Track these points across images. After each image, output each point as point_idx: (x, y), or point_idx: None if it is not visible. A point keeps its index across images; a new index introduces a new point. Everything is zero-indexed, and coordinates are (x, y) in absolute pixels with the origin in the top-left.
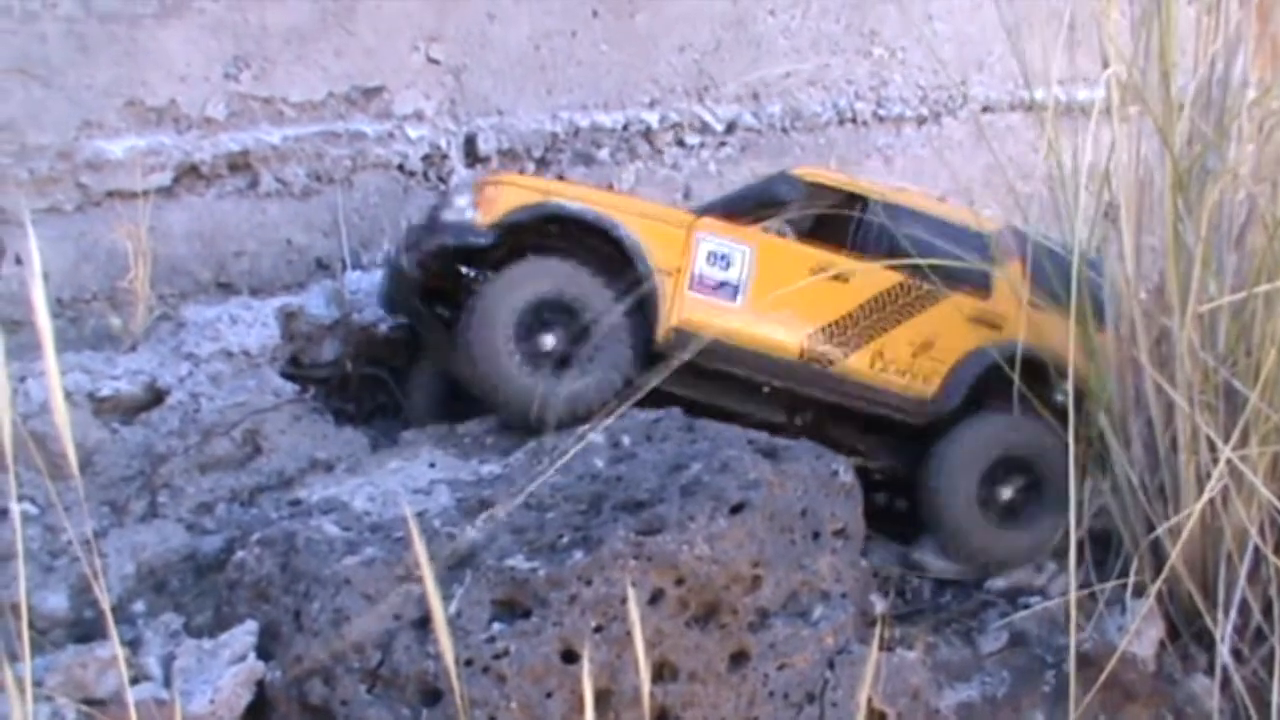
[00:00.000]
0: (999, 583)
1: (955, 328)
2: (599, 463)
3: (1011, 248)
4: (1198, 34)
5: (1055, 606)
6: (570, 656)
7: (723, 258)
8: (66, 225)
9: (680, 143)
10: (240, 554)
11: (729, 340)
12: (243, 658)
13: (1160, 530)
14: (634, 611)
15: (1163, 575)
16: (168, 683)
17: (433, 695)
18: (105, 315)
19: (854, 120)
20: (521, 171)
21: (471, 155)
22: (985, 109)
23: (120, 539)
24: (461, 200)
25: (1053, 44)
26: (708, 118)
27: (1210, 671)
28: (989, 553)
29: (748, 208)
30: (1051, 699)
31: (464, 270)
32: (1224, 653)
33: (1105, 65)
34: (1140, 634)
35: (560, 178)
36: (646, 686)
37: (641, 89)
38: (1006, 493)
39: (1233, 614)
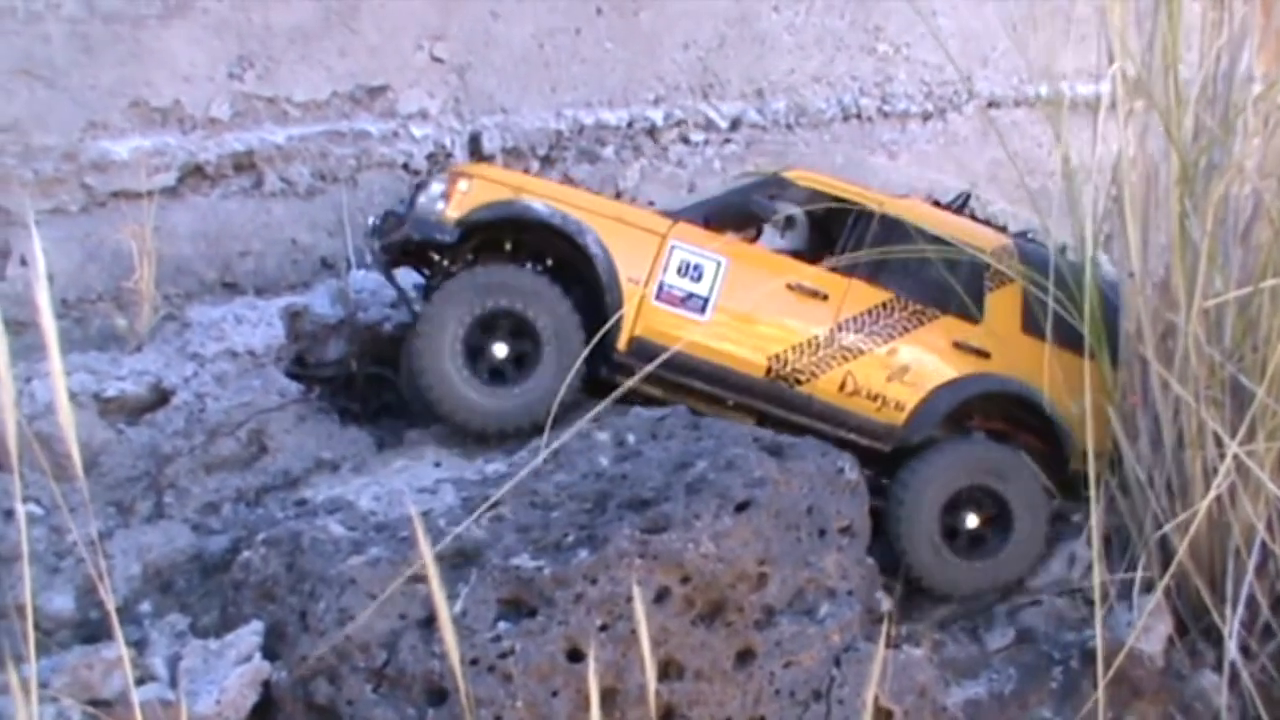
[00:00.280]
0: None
1: (936, 354)
2: (604, 461)
3: (1012, 268)
4: (1203, 28)
5: (1062, 603)
6: (576, 655)
7: (695, 268)
8: (71, 226)
9: (685, 140)
10: (246, 554)
11: (692, 354)
12: (248, 658)
13: (1168, 527)
14: (640, 610)
15: (1170, 571)
16: (173, 683)
17: (438, 694)
18: (110, 316)
19: (859, 116)
20: (525, 170)
21: (476, 153)
22: (991, 104)
23: (126, 540)
24: (435, 188)
25: (1057, 39)
26: (712, 115)
27: (1218, 667)
28: (951, 584)
29: (729, 217)
30: (1059, 695)
31: (435, 257)
32: (1232, 648)
33: (1110, 60)
34: (1148, 630)
35: (566, 176)
36: (652, 685)
37: (646, 86)
38: (972, 522)
39: (1240, 609)
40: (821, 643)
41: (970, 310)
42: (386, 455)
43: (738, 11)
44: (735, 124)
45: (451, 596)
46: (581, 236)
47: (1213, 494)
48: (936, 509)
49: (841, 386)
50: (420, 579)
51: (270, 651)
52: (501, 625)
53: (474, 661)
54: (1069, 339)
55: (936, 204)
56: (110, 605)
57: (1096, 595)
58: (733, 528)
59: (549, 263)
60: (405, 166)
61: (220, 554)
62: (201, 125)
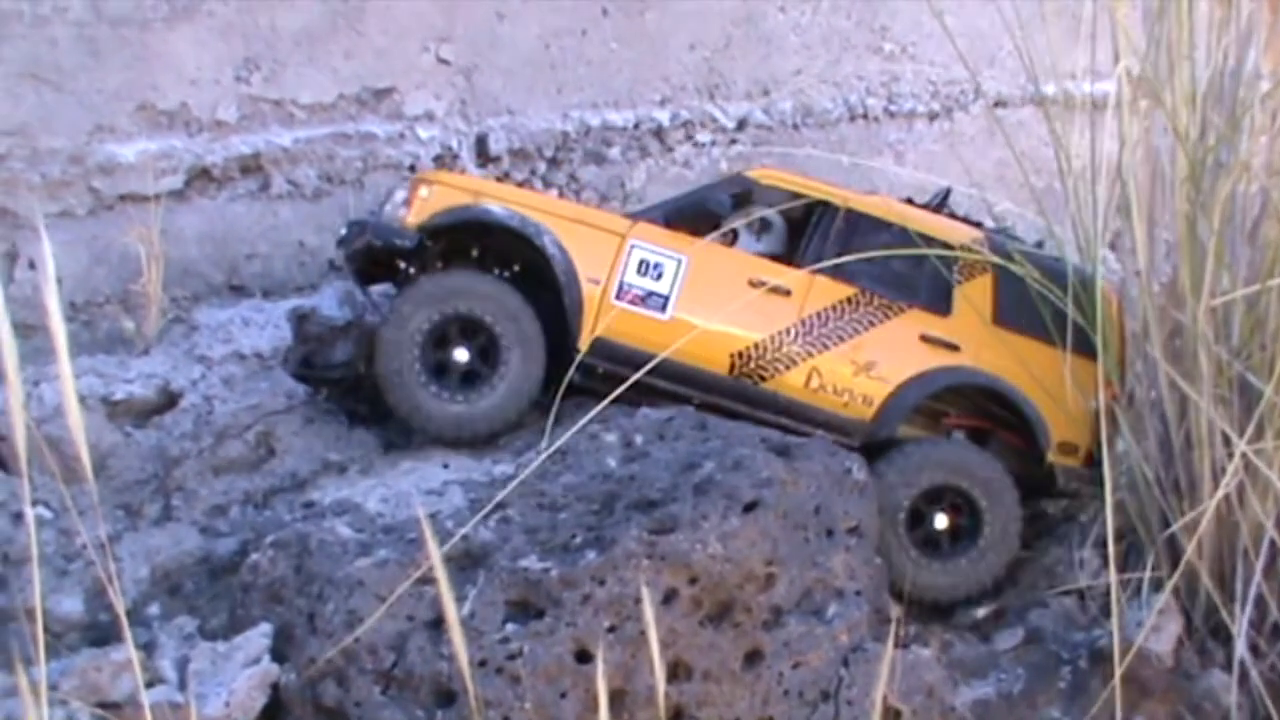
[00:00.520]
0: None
1: (903, 348)
2: (611, 462)
3: (981, 262)
4: (1210, 26)
5: (1070, 603)
6: (584, 656)
7: (655, 267)
8: (79, 229)
9: (691, 140)
10: (254, 556)
11: (651, 351)
12: (257, 660)
13: (1176, 526)
14: (648, 611)
15: (1179, 571)
16: (183, 686)
17: (447, 696)
18: (118, 319)
19: (865, 116)
20: (533, 172)
21: (483, 155)
22: (997, 104)
23: (134, 542)
24: (399, 196)
25: (1064, 38)
26: (719, 115)
27: (1228, 667)
28: (923, 586)
29: (688, 216)
30: (1068, 695)
31: (400, 264)
32: (1241, 647)
33: (1117, 59)
34: (1157, 630)
35: (572, 177)
36: (661, 686)
37: (652, 87)
38: (941, 523)
39: (1249, 608)
40: (829, 643)
41: (938, 304)
42: (394, 457)
43: (744, 12)
44: (741, 125)
45: (459, 598)
46: (539, 238)
47: (1221, 493)
48: (903, 511)
49: (807, 382)
50: (428, 581)
51: (278, 653)
52: (509, 627)
53: (482, 663)
54: (1041, 331)
55: (910, 202)
56: (119, 608)
57: (1114, 593)
58: (740, 528)
59: (515, 269)
60: (412, 168)
61: (228, 556)
62: (208, 128)
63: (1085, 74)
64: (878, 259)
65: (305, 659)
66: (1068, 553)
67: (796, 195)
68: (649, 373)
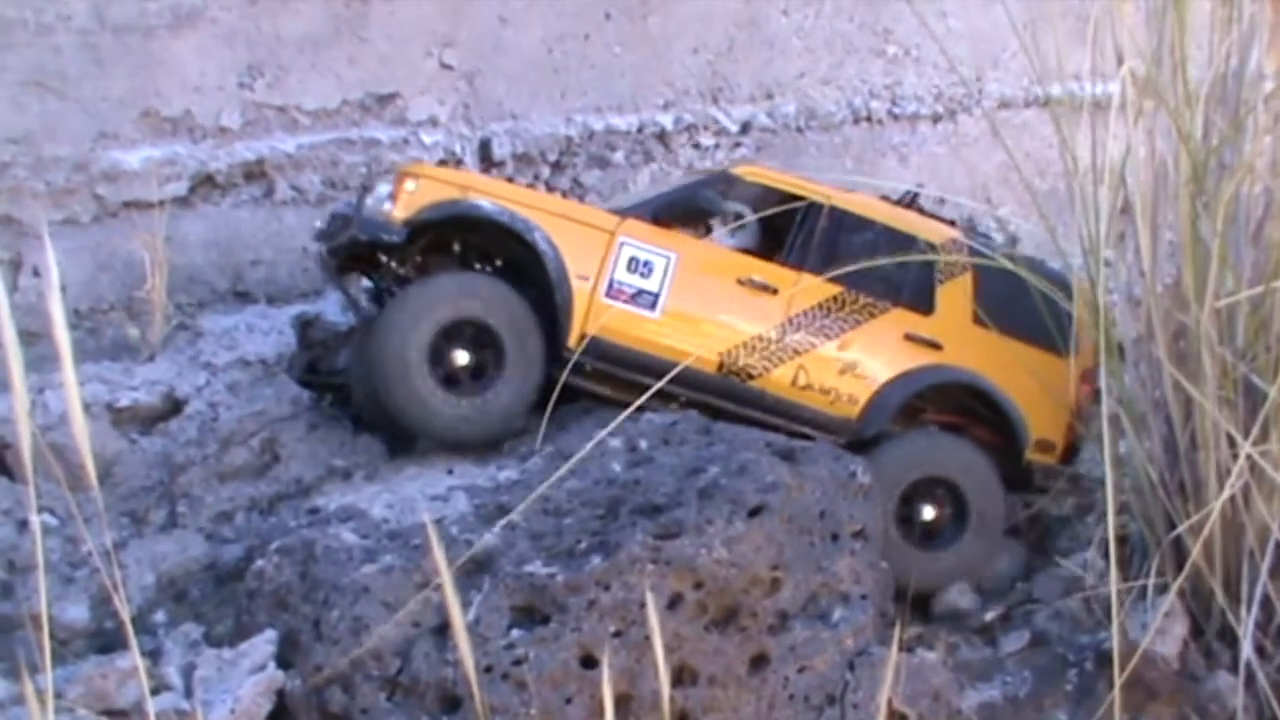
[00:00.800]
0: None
1: (888, 347)
2: (616, 467)
3: (962, 261)
4: (1212, 27)
5: (1076, 606)
6: (589, 662)
7: (645, 264)
8: (83, 236)
9: (695, 144)
10: (259, 563)
11: (642, 350)
12: (262, 667)
13: (1181, 528)
14: (653, 616)
15: (1184, 573)
16: (188, 693)
17: (452, 702)
18: (123, 325)
19: (869, 119)
20: (536, 177)
21: (486, 160)
22: (1001, 105)
23: (140, 549)
24: (382, 189)
25: (1067, 39)
26: (722, 119)
27: (1234, 668)
28: (910, 577)
29: (677, 213)
30: (1074, 698)
31: (382, 259)
32: (1247, 649)
33: (1120, 60)
34: (1163, 632)
35: (576, 181)
36: (666, 691)
37: (655, 91)
38: (928, 514)
39: (1255, 610)
40: (835, 647)
41: (921, 303)
42: (399, 462)
43: (747, 15)
44: (745, 128)
45: (464, 604)
46: (530, 234)
47: (1226, 494)
48: (892, 502)
49: (794, 381)
50: (434, 586)
51: (284, 660)
52: (515, 632)
53: (488, 669)
54: (1019, 329)
55: (886, 199)
56: (125, 615)
57: (1115, 596)
58: (745, 533)
59: (498, 263)
60: None
61: (234, 563)
62: (212, 134)
63: (1088, 75)
64: (862, 258)
65: (311, 666)
66: (1073, 555)
67: (780, 192)
68: (637, 371)
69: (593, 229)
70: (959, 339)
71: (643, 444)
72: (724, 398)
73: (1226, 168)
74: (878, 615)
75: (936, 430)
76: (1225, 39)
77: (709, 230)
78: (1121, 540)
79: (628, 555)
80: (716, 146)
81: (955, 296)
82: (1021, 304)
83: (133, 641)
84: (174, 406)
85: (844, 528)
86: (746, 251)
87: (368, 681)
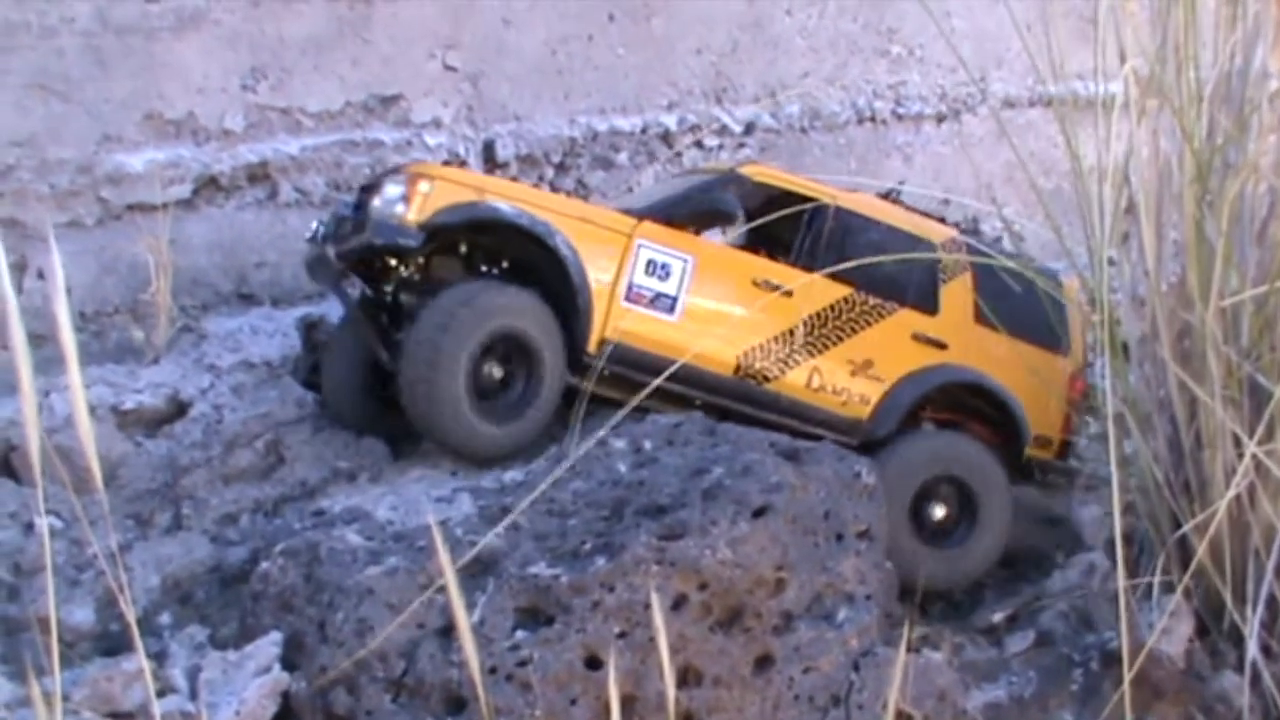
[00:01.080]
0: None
1: (897, 347)
2: (621, 468)
3: (962, 260)
4: (1216, 25)
5: (1081, 606)
6: (594, 663)
7: (662, 267)
8: (88, 239)
9: (699, 145)
10: (264, 565)
11: (661, 354)
12: (268, 669)
13: (1187, 527)
14: (658, 617)
15: (1190, 572)
16: (194, 695)
17: (457, 704)
18: (127, 328)
19: (873, 119)
20: (540, 178)
21: (490, 161)
22: (1005, 105)
23: (145, 551)
24: (393, 190)
25: (1071, 38)
26: (726, 119)
27: (1240, 668)
28: (924, 576)
29: (692, 215)
30: (1080, 698)
31: (392, 263)
32: (1253, 649)
33: (1124, 60)
34: (1169, 632)
35: (580, 182)
36: (671, 692)
37: (659, 92)
38: (939, 513)
39: (1261, 609)
40: (840, 648)
41: (926, 303)
42: (403, 464)
43: (750, 16)
44: (749, 128)
45: (469, 605)
46: (551, 238)
47: (1231, 494)
48: (906, 501)
49: (808, 383)
50: (438, 588)
51: (289, 662)
52: (519, 634)
53: (492, 670)
54: (1016, 327)
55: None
56: (130, 617)
57: (1122, 595)
58: (750, 533)
59: (503, 266)
60: None
61: (239, 565)
62: (216, 137)
63: (1092, 75)
64: (869, 258)
65: (316, 667)
66: (1079, 555)
67: (786, 191)
68: (656, 375)
69: (610, 231)
70: (963, 338)
71: (647, 445)
72: (740, 401)
73: (1231, 167)
74: (883, 615)
75: (946, 429)
76: (1229, 38)
77: (699, 230)
78: (1127, 540)
79: (632, 556)
80: (720, 147)
81: (958, 295)
82: (1017, 301)
83: (139, 644)
84: (179, 409)
85: (849, 528)
86: (755, 251)
87: (373, 683)
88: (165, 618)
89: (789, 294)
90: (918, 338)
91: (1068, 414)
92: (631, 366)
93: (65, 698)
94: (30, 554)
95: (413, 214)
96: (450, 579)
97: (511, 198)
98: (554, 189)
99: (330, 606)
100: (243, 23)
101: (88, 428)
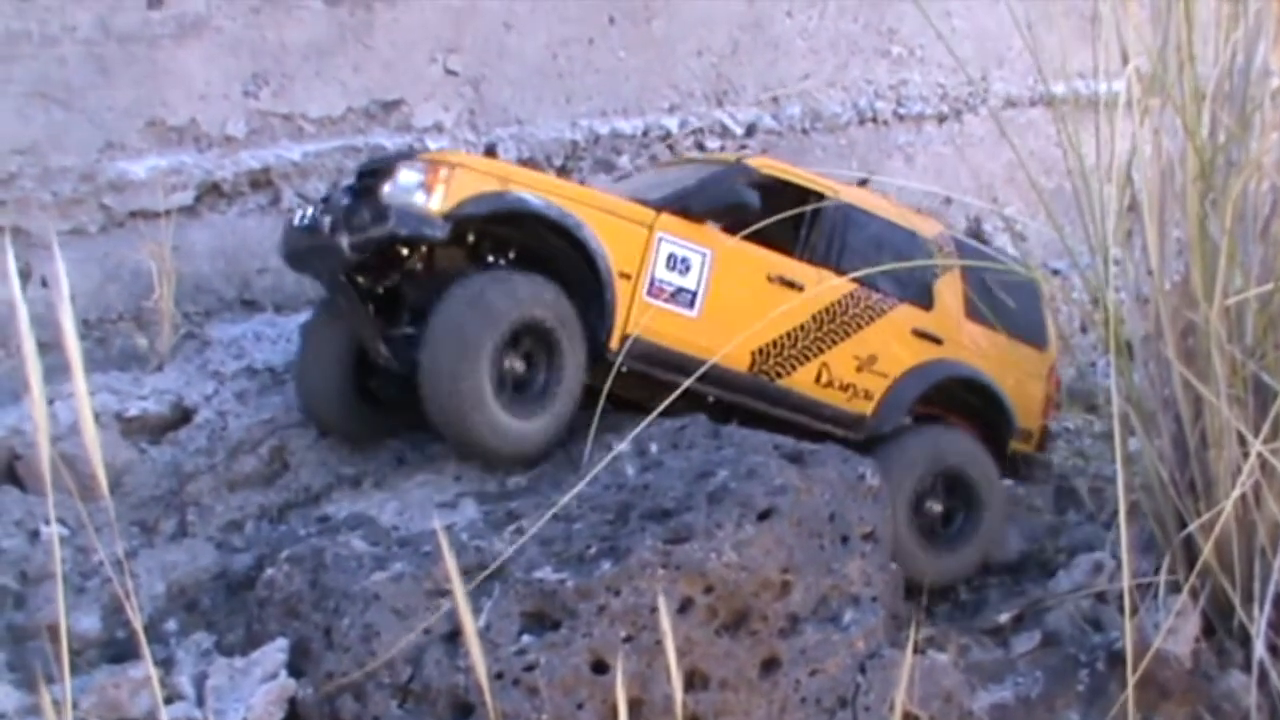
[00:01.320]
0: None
1: (898, 342)
2: (626, 471)
3: (952, 256)
4: (1218, 23)
5: (1087, 606)
6: (600, 667)
7: (682, 261)
8: (91, 246)
9: (701, 147)
10: (270, 571)
11: (682, 350)
12: (274, 675)
13: (1193, 527)
14: (665, 620)
15: (1196, 571)
16: (201, 702)
17: (464, 709)
18: (131, 335)
19: (874, 120)
20: None
21: None
22: (1006, 105)
23: (150, 559)
24: (409, 178)
25: (1073, 37)
26: (727, 121)
27: (1247, 667)
28: (926, 572)
29: (711, 208)
30: (1086, 698)
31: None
32: (1260, 648)
33: (1126, 58)
34: (1175, 631)
35: (581, 184)
36: (679, 695)
37: (660, 94)
38: (939, 509)
39: (1267, 608)
40: (846, 650)
41: (922, 298)
42: (407, 469)
43: (751, 17)
44: (750, 130)
45: (475, 610)
46: (579, 231)
47: (1237, 493)
48: (908, 496)
49: (818, 378)
50: (444, 593)
51: (295, 669)
52: (525, 638)
53: (499, 675)
54: (1000, 321)
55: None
56: (137, 625)
57: (1127, 594)
58: (755, 536)
59: (510, 255)
60: None
61: (244, 571)
62: (218, 143)
63: (1094, 73)
64: (870, 254)
65: (322, 674)
66: (1085, 555)
67: (792, 185)
68: (675, 372)
69: (631, 223)
70: (955, 333)
71: (652, 448)
72: (754, 397)
73: (1234, 165)
74: (888, 617)
75: (940, 424)
76: (1231, 35)
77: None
78: (1132, 540)
79: (638, 560)
80: (722, 149)
81: (950, 290)
82: (999, 296)
83: (146, 651)
84: (183, 416)
85: (854, 530)
86: (768, 246)
87: (379, 689)
88: (171, 625)
89: (800, 288)
90: (917, 333)
91: (1045, 407)
92: (653, 364)
93: (73, 705)
94: (36, 562)
95: (436, 203)
96: (457, 584)
97: (536, 188)
98: None
99: (336, 612)
100: (244, 29)
101: (94, 435)
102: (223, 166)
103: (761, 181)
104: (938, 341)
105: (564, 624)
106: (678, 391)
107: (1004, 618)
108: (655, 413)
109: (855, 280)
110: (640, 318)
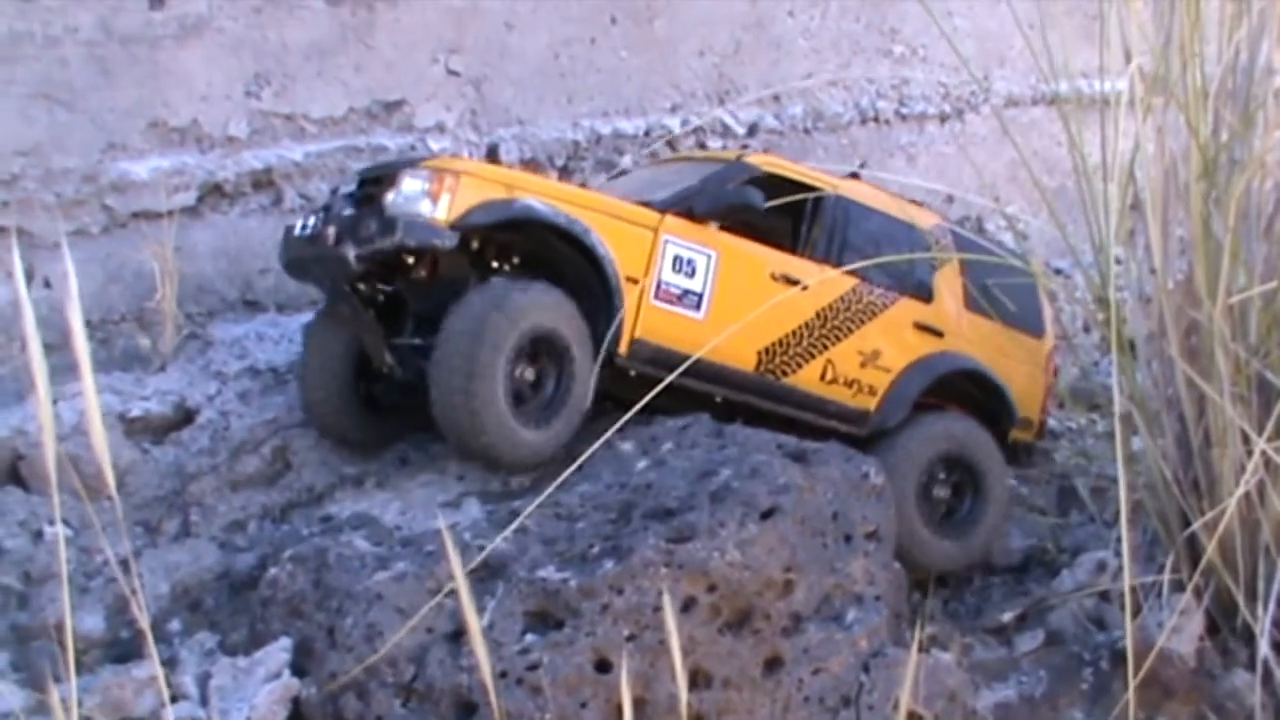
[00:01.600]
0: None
1: (901, 336)
2: (629, 470)
3: (949, 248)
4: (1222, 21)
5: (1091, 605)
6: (604, 666)
7: (688, 263)
8: (94, 247)
9: (702, 146)
10: (273, 571)
11: (691, 353)
12: (278, 675)
13: (1196, 525)
14: (669, 619)
15: (1200, 570)
16: (205, 701)
17: (467, 708)
18: (134, 336)
19: (876, 119)
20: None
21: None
22: (1008, 104)
23: (154, 559)
24: (413, 186)
25: (1075, 36)
26: (729, 121)
27: (1251, 666)
28: (933, 559)
29: (716, 209)
30: (1090, 697)
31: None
32: (1264, 647)
33: (1128, 57)
34: (1179, 630)
35: (584, 185)
36: (683, 695)
37: (662, 94)
38: (945, 495)
39: (1271, 607)
40: (849, 649)
41: (922, 291)
42: (410, 469)
43: (753, 17)
44: (752, 129)
45: (478, 610)
46: (587, 238)
47: (1241, 491)
48: (916, 483)
49: (823, 375)
50: (447, 593)
51: (299, 668)
52: (529, 638)
53: (502, 674)
54: (999, 312)
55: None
56: (143, 624)
57: (1128, 593)
58: (758, 535)
59: (514, 262)
60: None
61: (247, 571)
62: (220, 144)
63: (1096, 72)
64: (869, 248)
65: (326, 673)
66: (1088, 553)
67: (790, 181)
68: (684, 374)
69: (637, 227)
70: (955, 325)
71: (655, 447)
72: (760, 396)
73: (1237, 163)
74: (892, 616)
75: (945, 412)
76: (1235, 33)
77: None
78: (1136, 538)
79: (641, 559)
80: (724, 148)
81: (949, 282)
82: (998, 286)
83: (152, 651)
84: (185, 416)
85: (857, 529)
86: (759, 242)
87: (383, 688)
88: (175, 624)
89: (804, 286)
90: (919, 326)
91: (1045, 395)
92: (663, 367)
93: (78, 705)
94: (40, 562)
95: (442, 212)
96: (461, 583)
97: (538, 192)
98: None
99: (339, 612)
100: (246, 30)
101: (101, 435)
102: (225, 167)
103: (763, 179)
104: (939, 334)
105: (567, 623)
106: (662, 383)
107: (1008, 617)
108: (634, 409)
109: (856, 275)
110: (648, 322)
